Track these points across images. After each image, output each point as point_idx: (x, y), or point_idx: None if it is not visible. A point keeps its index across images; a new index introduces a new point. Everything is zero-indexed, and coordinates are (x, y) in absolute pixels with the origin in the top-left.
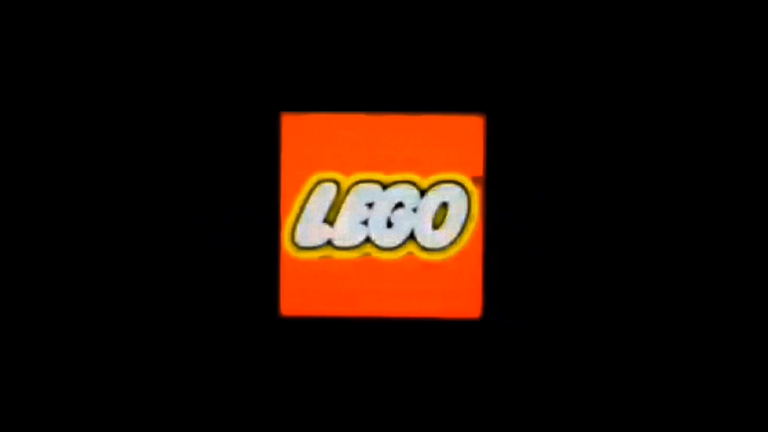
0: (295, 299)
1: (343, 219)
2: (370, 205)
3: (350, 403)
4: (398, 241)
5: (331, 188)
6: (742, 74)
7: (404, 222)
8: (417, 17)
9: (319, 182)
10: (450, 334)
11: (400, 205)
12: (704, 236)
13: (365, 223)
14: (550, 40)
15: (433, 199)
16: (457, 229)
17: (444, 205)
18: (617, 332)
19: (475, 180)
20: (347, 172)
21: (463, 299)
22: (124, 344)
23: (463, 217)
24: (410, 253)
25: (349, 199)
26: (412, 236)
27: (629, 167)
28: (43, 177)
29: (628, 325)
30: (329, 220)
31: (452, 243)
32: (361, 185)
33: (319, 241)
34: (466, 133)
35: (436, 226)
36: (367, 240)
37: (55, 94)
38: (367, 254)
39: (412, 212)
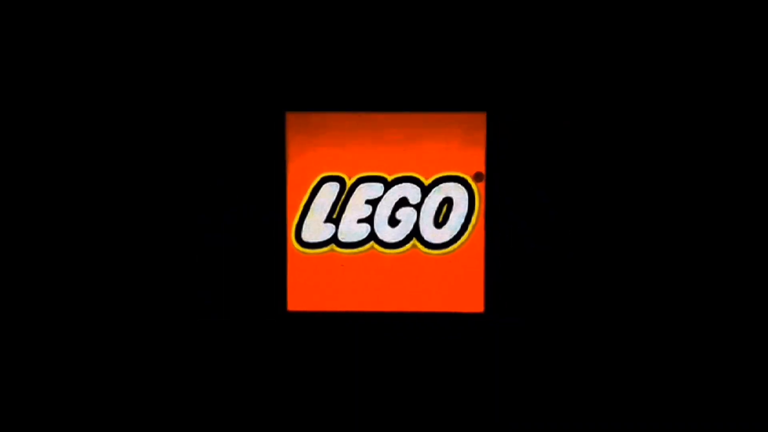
0: (302, 295)
1: (347, 216)
2: (373, 203)
3: (353, 395)
4: (401, 238)
5: (336, 186)
6: (743, 74)
7: (407, 219)
8: (418, 18)
9: (323, 180)
10: (454, 329)
11: (403, 202)
12: (704, 234)
13: (369, 220)
14: (551, 40)
15: (436, 196)
16: (460, 225)
17: (446, 202)
18: (618, 330)
19: (476, 177)
20: (351, 170)
21: (466, 294)
22: (141, 339)
23: (465, 213)
24: (413, 250)
25: (353, 196)
26: (415, 233)
27: (633, 164)
28: (53, 178)
29: (629, 324)
30: (334, 217)
31: (455, 239)
32: (365, 183)
33: (324, 238)
34: (467, 130)
35: (438, 222)
36: (371, 237)
37: (68, 96)
38: (371, 250)
39: (414, 209)
